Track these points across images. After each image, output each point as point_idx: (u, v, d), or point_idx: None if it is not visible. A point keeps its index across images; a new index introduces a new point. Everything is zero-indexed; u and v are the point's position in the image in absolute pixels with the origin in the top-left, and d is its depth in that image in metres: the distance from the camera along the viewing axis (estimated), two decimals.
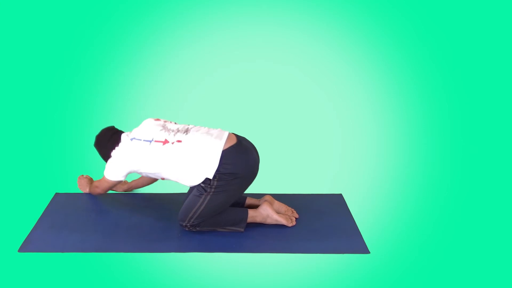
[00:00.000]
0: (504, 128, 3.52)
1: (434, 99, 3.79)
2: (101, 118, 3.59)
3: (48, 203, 2.71)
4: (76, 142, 3.33)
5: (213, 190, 2.37)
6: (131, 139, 2.46)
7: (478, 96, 3.77)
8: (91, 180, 2.82)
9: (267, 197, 2.62)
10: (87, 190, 2.80)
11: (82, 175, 2.87)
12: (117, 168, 2.48)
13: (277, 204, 2.62)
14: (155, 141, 2.41)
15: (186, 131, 2.44)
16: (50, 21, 3.87)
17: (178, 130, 2.45)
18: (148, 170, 2.44)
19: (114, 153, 2.50)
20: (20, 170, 3.01)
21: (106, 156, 2.57)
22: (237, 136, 2.49)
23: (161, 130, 2.45)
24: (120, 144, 2.50)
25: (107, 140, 2.56)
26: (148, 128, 2.49)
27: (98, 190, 2.65)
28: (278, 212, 2.58)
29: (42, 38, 3.86)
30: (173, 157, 2.37)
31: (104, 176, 2.55)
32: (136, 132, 2.50)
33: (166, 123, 2.53)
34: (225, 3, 4.04)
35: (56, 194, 2.80)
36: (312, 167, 3.14)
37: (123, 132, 2.59)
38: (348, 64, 3.99)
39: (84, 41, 3.91)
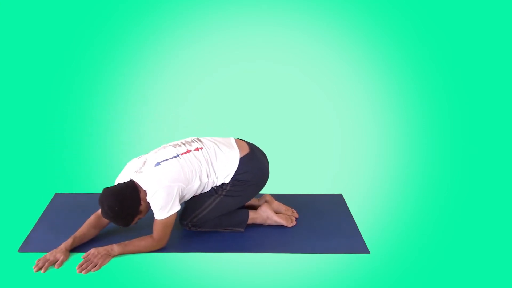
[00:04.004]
0: (504, 128, 3.52)
1: (434, 99, 3.79)
2: (101, 118, 3.59)
3: (48, 203, 2.71)
4: (76, 142, 3.33)
5: (224, 192, 2.38)
6: (156, 165, 2.25)
7: (478, 96, 3.77)
8: (107, 252, 2.22)
9: (266, 197, 2.62)
10: (115, 252, 2.24)
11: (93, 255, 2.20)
12: (172, 196, 2.20)
13: (276, 203, 2.62)
14: (181, 153, 2.31)
15: (197, 140, 2.41)
16: (50, 21, 3.86)
17: (187, 142, 2.39)
18: (191, 183, 2.28)
19: (155, 189, 2.18)
20: (20, 170, 3.01)
21: (134, 214, 2.21)
22: (247, 143, 2.51)
23: (173, 147, 2.35)
24: (144, 183, 2.21)
25: (130, 195, 2.18)
26: (161, 151, 2.33)
27: (161, 243, 2.27)
28: (277, 212, 2.58)
29: (42, 39, 3.85)
30: (202, 161, 2.31)
31: (163, 219, 2.21)
32: (153, 159, 2.27)
33: (167, 145, 2.39)
34: (225, 3, 4.03)
35: (56, 194, 2.80)
36: (312, 167, 3.14)
37: (126, 181, 2.25)
38: (348, 64, 3.98)
39: (84, 41, 3.90)
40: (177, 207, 2.24)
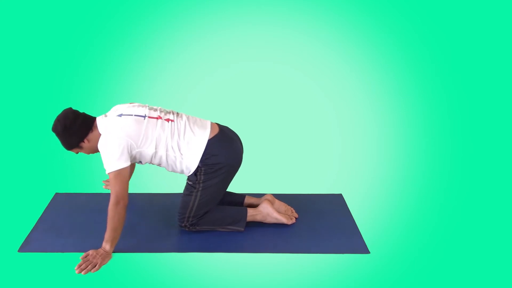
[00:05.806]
0: (504, 128, 3.51)
1: (434, 99, 3.79)
2: None
3: (48, 203, 2.71)
4: None
5: (201, 185, 2.38)
6: (119, 115, 2.29)
7: (478, 96, 3.77)
8: (102, 255, 2.22)
9: (268, 196, 2.62)
10: (107, 249, 2.23)
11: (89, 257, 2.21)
12: (119, 149, 2.19)
13: (277, 203, 2.62)
14: (149, 117, 2.30)
15: (174, 113, 2.40)
16: (50, 22, 3.87)
17: (163, 111, 2.38)
18: (143, 147, 2.27)
19: (106, 136, 2.22)
20: (20, 170, 3.01)
21: (72, 144, 2.29)
22: (219, 125, 2.48)
23: (148, 108, 2.35)
24: (102, 127, 2.26)
25: (79, 126, 2.25)
26: (133, 107, 2.35)
27: (120, 203, 2.20)
28: (278, 212, 2.58)
29: (42, 40, 3.86)
30: (167, 133, 2.30)
31: (113, 173, 2.19)
32: (119, 110, 2.32)
33: (145, 105, 2.39)
34: (225, 3, 4.04)
35: (56, 194, 2.80)
36: (312, 167, 3.14)
37: (92, 116, 2.33)
38: (348, 64, 3.99)
39: (84, 41, 3.91)
40: (125, 163, 2.21)
